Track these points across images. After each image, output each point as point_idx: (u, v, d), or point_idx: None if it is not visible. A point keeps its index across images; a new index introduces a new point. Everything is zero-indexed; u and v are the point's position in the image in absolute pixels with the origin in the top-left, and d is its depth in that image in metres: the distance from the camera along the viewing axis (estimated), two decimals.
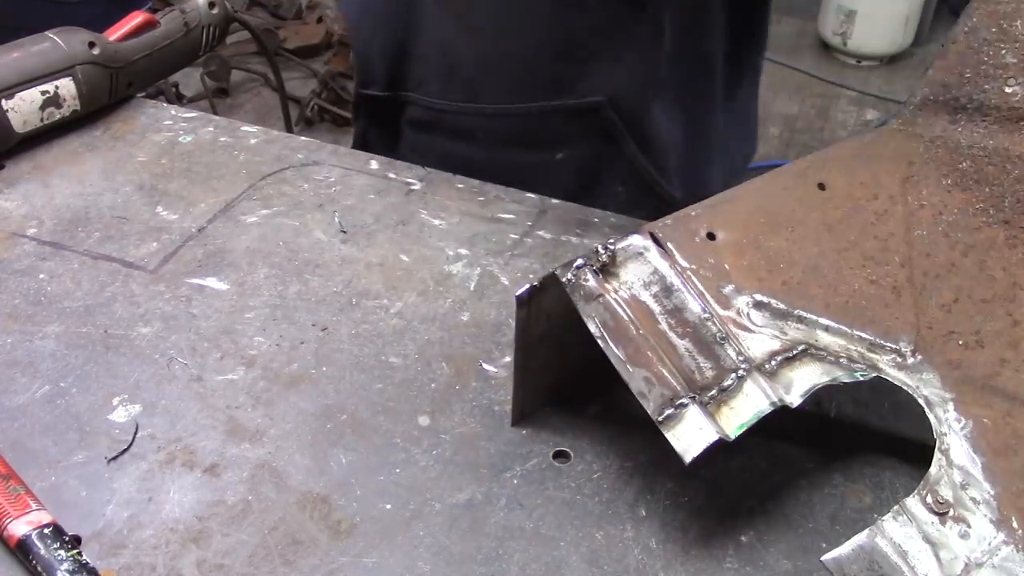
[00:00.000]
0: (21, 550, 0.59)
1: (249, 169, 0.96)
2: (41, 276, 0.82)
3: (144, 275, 0.83)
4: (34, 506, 0.61)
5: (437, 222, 0.90)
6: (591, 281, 0.61)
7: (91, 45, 0.98)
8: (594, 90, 1.01)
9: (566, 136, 1.05)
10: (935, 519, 0.56)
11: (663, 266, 0.63)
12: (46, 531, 0.59)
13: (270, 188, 0.94)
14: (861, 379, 0.63)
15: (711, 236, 0.65)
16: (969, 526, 0.56)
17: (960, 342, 0.64)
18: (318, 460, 0.67)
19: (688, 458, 0.58)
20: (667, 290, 0.62)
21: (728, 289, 0.63)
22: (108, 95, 1.02)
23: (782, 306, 0.64)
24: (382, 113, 1.14)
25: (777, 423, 0.71)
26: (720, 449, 0.69)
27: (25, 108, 0.95)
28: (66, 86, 0.97)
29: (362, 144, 1.18)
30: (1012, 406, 0.60)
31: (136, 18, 1.05)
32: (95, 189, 0.93)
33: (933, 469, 0.58)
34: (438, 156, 1.04)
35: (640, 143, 1.05)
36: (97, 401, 0.71)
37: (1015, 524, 0.56)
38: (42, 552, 0.58)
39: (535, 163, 1.05)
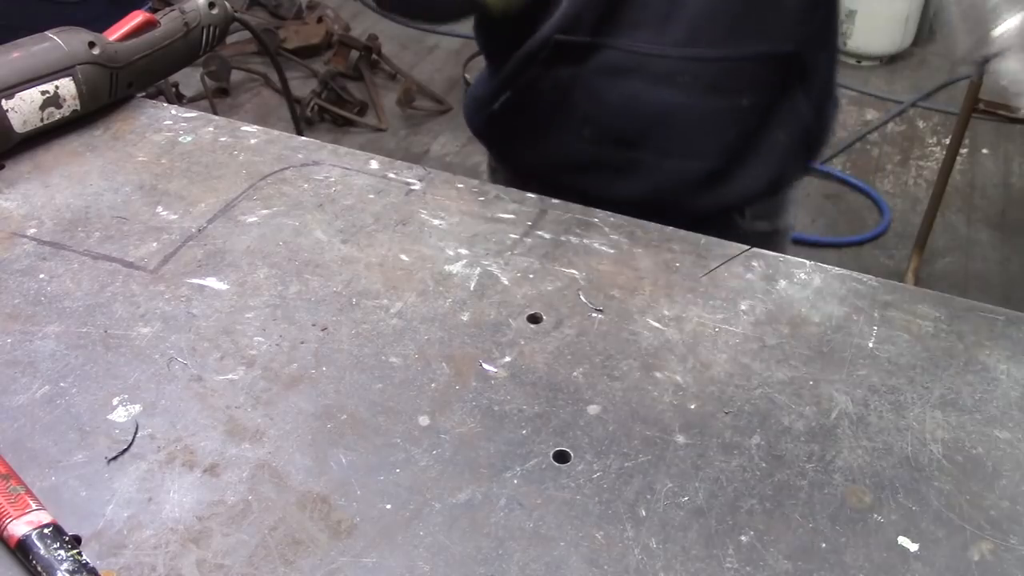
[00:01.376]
0: (21, 550, 0.59)
1: (249, 169, 0.96)
2: (41, 276, 0.82)
3: (144, 275, 0.83)
4: (34, 506, 0.61)
5: (437, 222, 0.90)
6: None
7: (91, 45, 0.98)
8: (790, 39, 1.08)
9: (756, 83, 1.10)
10: None
11: None
12: (46, 531, 0.59)
13: (270, 188, 0.94)
14: None
15: None
16: None
17: None
18: (318, 460, 0.67)
19: None
20: None
21: None
22: (108, 95, 1.02)
23: None
24: (567, 60, 1.14)
25: (777, 423, 0.71)
26: (720, 449, 0.69)
27: (25, 108, 0.95)
28: (66, 86, 0.97)
29: (519, 95, 1.17)
30: None
31: (136, 18, 1.05)
32: (95, 189, 0.93)
33: None
34: (624, 99, 1.08)
35: (808, 93, 1.11)
36: (97, 401, 0.71)
37: None
38: (42, 552, 0.58)
39: (723, 108, 1.09)
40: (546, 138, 1.20)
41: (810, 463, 0.68)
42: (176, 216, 0.90)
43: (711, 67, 1.08)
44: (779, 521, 0.64)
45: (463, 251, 0.86)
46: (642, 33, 1.08)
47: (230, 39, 3.12)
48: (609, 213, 0.91)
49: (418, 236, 0.88)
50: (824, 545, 0.63)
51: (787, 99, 1.11)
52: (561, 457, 0.68)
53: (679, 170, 1.11)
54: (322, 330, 0.78)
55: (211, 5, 1.10)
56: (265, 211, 0.91)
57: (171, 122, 1.04)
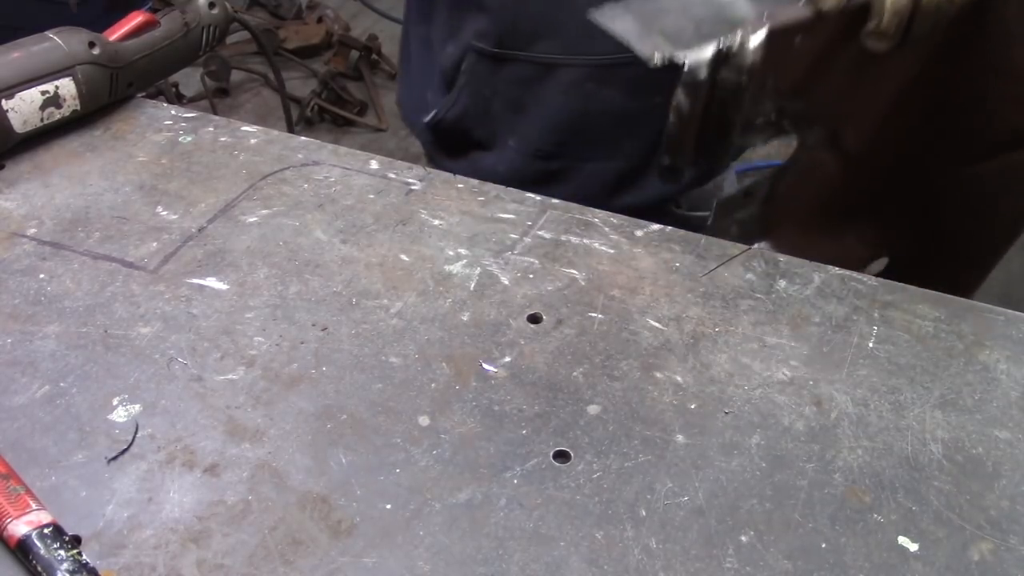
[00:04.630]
0: (21, 550, 0.59)
1: (249, 169, 0.96)
2: (41, 276, 0.82)
3: (144, 275, 0.83)
4: (34, 506, 0.61)
5: (437, 222, 0.90)
6: None
7: (91, 45, 0.98)
8: None
9: (665, 81, 1.07)
10: None
11: None
12: (46, 531, 0.59)
13: (270, 188, 0.94)
14: None
15: None
16: None
17: None
18: (318, 460, 0.67)
19: None
20: None
21: None
22: (108, 95, 1.02)
23: None
24: (485, 71, 1.17)
25: (777, 423, 0.71)
26: (720, 449, 0.69)
27: (25, 108, 0.95)
28: (66, 86, 0.97)
29: (450, 114, 1.21)
30: None
31: (136, 18, 1.05)
32: (95, 189, 0.93)
33: None
34: (540, 109, 1.11)
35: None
36: (97, 401, 0.71)
37: None
38: (42, 552, 0.58)
39: (637, 109, 1.09)
40: (474, 150, 1.23)
41: (810, 463, 0.68)
42: (176, 216, 0.90)
43: (621, 72, 1.08)
44: (779, 521, 0.64)
45: (463, 251, 0.86)
46: (546, 44, 1.10)
47: (230, 39, 3.12)
48: (609, 213, 0.91)
49: (418, 236, 0.88)
50: (824, 545, 0.63)
51: None
52: (561, 457, 0.68)
53: (601, 171, 1.12)
54: (322, 330, 0.78)
55: (211, 5, 1.10)
56: (265, 211, 0.91)
57: (171, 122, 1.04)
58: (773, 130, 0.99)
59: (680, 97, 0.87)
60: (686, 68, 0.84)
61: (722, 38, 0.84)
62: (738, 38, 0.84)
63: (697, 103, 0.86)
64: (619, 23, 0.88)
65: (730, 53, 0.84)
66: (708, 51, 0.84)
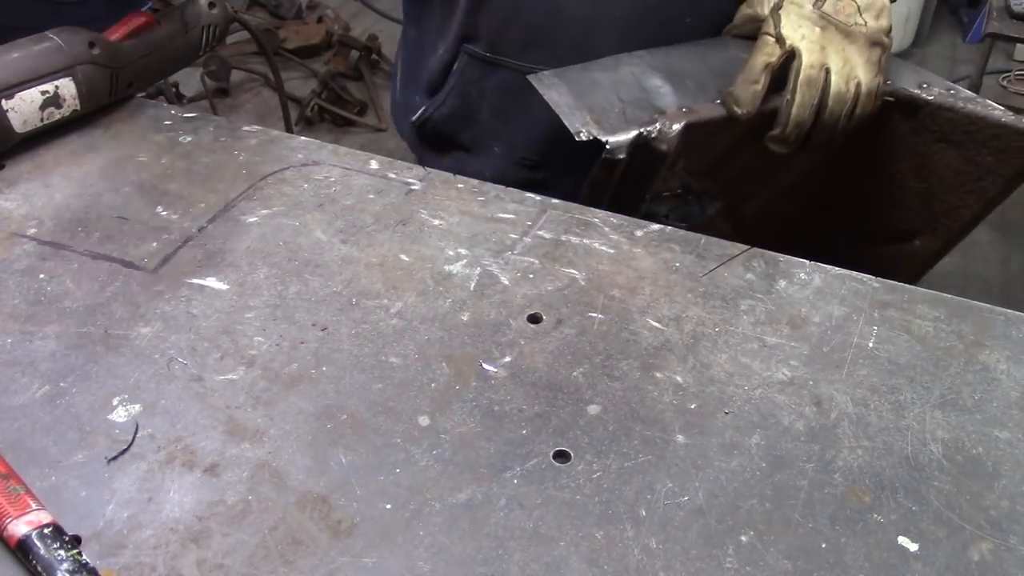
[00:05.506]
0: (21, 550, 0.59)
1: (249, 169, 0.96)
2: (41, 276, 0.82)
3: (144, 275, 0.83)
4: (34, 506, 0.61)
5: (437, 222, 0.90)
6: None
7: (91, 45, 0.98)
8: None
9: None
10: None
11: None
12: (46, 531, 0.59)
13: (270, 188, 0.94)
14: None
15: None
16: None
17: None
18: (318, 460, 0.67)
19: None
20: None
21: None
22: (108, 95, 1.02)
23: None
24: (475, 74, 1.19)
25: (777, 423, 0.71)
26: (720, 449, 0.69)
27: (25, 108, 0.95)
28: (66, 86, 0.97)
29: (436, 109, 1.24)
30: None
31: (136, 18, 1.05)
32: (95, 189, 0.93)
33: None
34: (524, 118, 1.13)
35: None
36: (97, 401, 0.71)
37: None
38: (42, 552, 0.58)
39: None
40: (461, 155, 1.23)
41: (810, 463, 0.68)
42: (176, 216, 0.90)
43: None
44: (779, 521, 0.64)
45: (463, 251, 0.86)
46: (537, 54, 1.11)
47: (230, 39, 3.12)
48: (609, 213, 0.91)
49: (418, 236, 0.88)
50: (824, 545, 0.63)
51: None
52: (561, 457, 0.68)
53: (581, 184, 1.13)
54: (322, 330, 0.78)
55: (211, 5, 1.10)
56: (265, 211, 0.91)
57: (171, 122, 1.04)
58: (679, 201, 1.09)
59: (597, 172, 0.96)
60: (607, 148, 0.93)
61: (643, 127, 0.94)
62: (657, 127, 0.94)
63: (612, 178, 0.96)
64: (553, 92, 0.97)
65: (649, 139, 0.94)
66: (629, 136, 0.93)
